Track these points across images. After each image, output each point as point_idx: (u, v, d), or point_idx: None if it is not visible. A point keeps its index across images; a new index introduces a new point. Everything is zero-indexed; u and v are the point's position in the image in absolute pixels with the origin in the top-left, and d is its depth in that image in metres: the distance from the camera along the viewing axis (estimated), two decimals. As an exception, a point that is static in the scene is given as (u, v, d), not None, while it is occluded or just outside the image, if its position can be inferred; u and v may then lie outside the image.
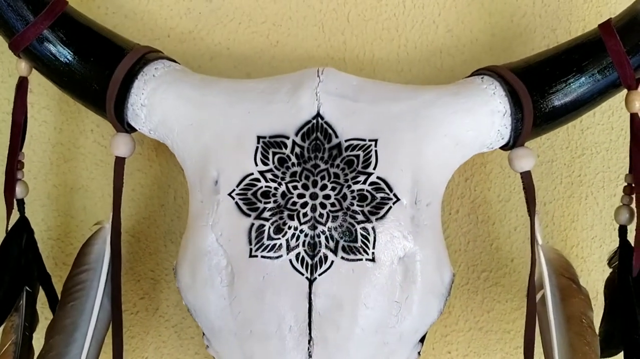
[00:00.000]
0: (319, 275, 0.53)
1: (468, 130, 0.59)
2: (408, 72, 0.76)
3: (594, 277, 0.75)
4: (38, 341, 0.66)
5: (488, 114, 0.59)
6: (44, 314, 0.67)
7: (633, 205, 0.61)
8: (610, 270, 0.67)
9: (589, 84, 0.60)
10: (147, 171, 0.77)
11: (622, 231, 0.63)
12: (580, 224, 0.76)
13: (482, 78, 0.61)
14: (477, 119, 0.59)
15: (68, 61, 0.61)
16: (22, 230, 0.66)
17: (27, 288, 0.65)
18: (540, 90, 0.60)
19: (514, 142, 0.61)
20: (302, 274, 0.53)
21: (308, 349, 0.53)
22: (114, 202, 0.63)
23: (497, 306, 0.76)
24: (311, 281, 0.53)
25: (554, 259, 0.61)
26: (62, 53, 0.61)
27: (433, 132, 0.57)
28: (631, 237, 0.62)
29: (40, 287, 0.67)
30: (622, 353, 0.62)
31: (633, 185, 0.61)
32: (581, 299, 0.59)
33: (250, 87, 0.59)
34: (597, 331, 0.63)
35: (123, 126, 0.62)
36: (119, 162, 0.64)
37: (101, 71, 0.61)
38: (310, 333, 0.53)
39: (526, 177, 0.61)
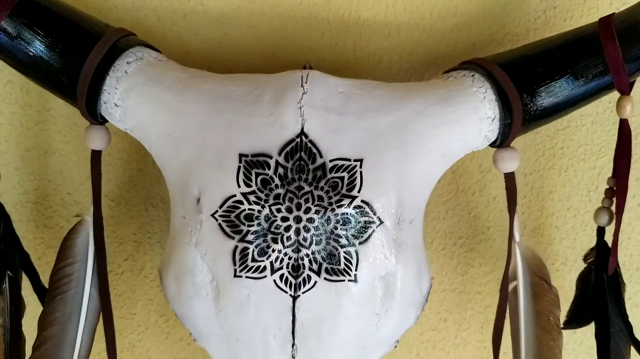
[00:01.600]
0: (303, 293, 0.54)
1: (455, 141, 0.57)
2: (396, 36, 0.72)
3: (565, 244, 0.78)
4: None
5: (476, 122, 0.57)
6: (28, 301, 0.68)
7: (613, 208, 0.62)
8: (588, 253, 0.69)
9: (581, 86, 0.58)
10: (123, 134, 0.74)
11: (600, 232, 0.65)
12: (558, 195, 0.76)
13: (472, 76, 0.59)
14: (465, 129, 0.57)
15: (32, 53, 0.57)
16: (-2, 216, 0.65)
17: (9, 273, 0.65)
18: (531, 90, 0.58)
19: (501, 142, 0.60)
20: (286, 293, 0.54)
21: (292, 352, 0.56)
22: (93, 197, 0.62)
23: (470, 270, 0.79)
24: (295, 298, 0.54)
25: (529, 259, 0.63)
26: (25, 44, 0.56)
27: (419, 148, 0.55)
28: (608, 237, 0.64)
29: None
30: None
31: (614, 188, 0.62)
32: (551, 298, 0.62)
33: (230, 92, 0.56)
34: (565, 307, 0.67)
35: (96, 119, 0.60)
36: (95, 156, 0.62)
37: (69, 63, 0.57)
38: (293, 339, 0.56)
39: (509, 178, 0.61)
